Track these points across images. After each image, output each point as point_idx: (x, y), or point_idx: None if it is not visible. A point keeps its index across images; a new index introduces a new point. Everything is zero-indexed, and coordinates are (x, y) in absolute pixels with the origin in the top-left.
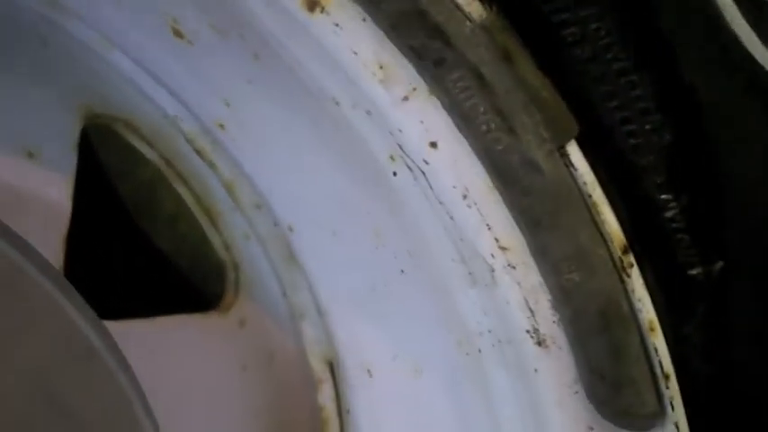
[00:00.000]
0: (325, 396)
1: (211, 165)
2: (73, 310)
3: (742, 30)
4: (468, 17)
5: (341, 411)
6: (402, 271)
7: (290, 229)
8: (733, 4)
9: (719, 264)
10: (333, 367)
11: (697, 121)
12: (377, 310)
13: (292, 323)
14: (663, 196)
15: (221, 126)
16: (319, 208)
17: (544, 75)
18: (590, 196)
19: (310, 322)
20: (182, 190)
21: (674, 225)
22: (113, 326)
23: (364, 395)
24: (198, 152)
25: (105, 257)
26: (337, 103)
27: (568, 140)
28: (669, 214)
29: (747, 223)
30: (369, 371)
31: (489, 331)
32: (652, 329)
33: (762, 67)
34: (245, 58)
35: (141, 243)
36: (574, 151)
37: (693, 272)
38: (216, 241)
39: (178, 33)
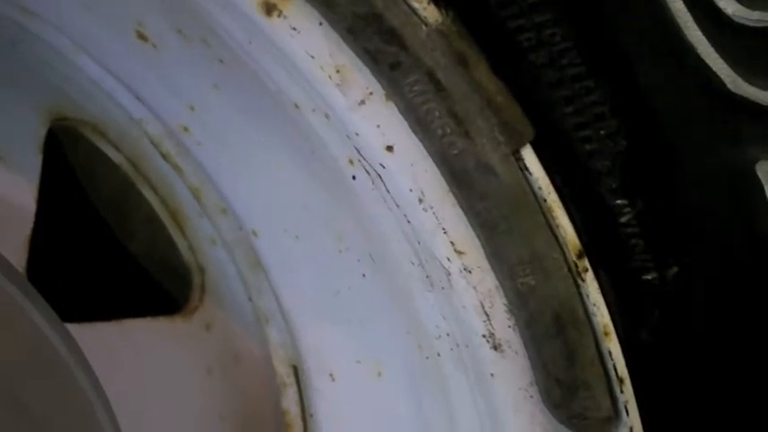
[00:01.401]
0: (290, 400)
1: (177, 169)
2: (36, 314)
3: (695, 37)
4: (423, 21)
5: (305, 415)
6: (364, 275)
7: (254, 234)
8: (687, 12)
9: (674, 269)
10: (297, 371)
11: (652, 127)
12: (340, 315)
13: (257, 327)
14: (618, 201)
15: (186, 129)
16: (283, 213)
17: (500, 79)
18: (545, 200)
19: (275, 326)
20: (148, 194)
21: (629, 230)
22: (78, 328)
23: (327, 399)
24: (163, 156)
25: (71, 259)
26: (297, 107)
27: (523, 145)
28: (624, 219)
29: (702, 228)
30: (331, 375)
31: (447, 335)
32: (606, 334)
33: (715, 74)
34: (209, 63)
35: (108, 245)
36: (529, 156)
37: (648, 276)
38: (182, 245)
39: (143, 37)
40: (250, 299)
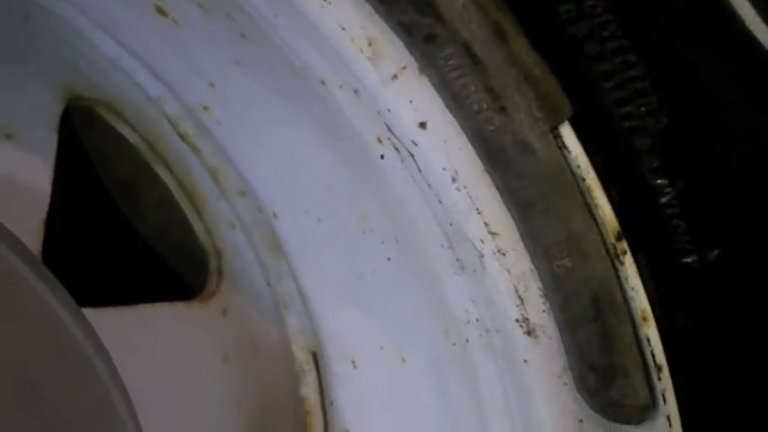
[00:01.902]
0: (309, 387)
1: (195, 149)
2: (52, 299)
3: (743, 9)
4: None
5: (324, 403)
6: (389, 258)
7: (275, 216)
8: None
9: (715, 251)
10: (316, 358)
11: (695, 104)
12: (363, 299)
13: (276, 313)
14: (658, 181)
15: (205, 108)
16: (305, 193)
17: (538, 53)
18: (583, 180)
19: (294, 312)
20: (165, 175)
21: (670, 211)
22: (93, 313)
23: (349, 386)
24: (181, 136)
25: (87, 243)
26: (324, 83)
27: (562, 121)
28: (664, 200)
29: (745, 209)
30: (353, 361)
31: (477, 320)
32: (645, 319)
33: (763, 48)
34: (231, 38)
35: (124, 229)
36: (567, 133)
37: (688, 260)
38: (199, 228)
39: (162, 12)
40: (268, 283)
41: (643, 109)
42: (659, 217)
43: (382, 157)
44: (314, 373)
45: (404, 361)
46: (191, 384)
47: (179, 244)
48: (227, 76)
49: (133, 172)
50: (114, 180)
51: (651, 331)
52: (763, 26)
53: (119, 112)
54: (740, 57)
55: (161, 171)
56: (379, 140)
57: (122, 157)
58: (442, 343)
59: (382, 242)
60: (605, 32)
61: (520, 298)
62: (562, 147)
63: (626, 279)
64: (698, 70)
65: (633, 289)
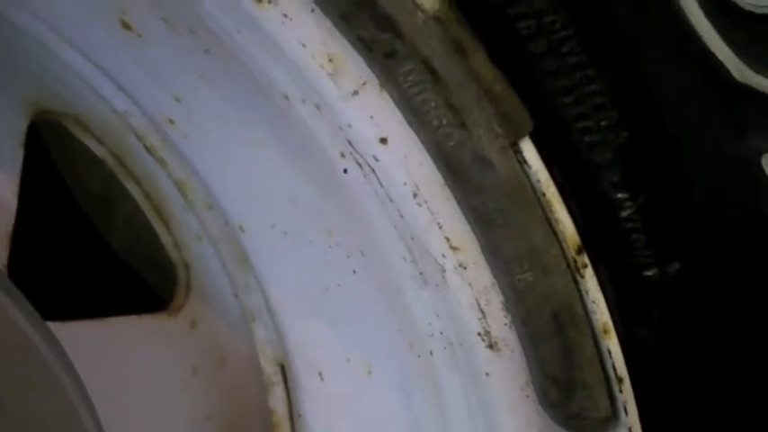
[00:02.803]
0: (277, 399)
1: (162, 162)
2: (17, 313)
3: (702, 25)
4: (419, 8)
5: (292, 415)
6: (354, 271)
7: (241, 230)
8: None
9: (676, 265)
10: (284, 370)
11: (654, 118)
12: (329, 312)
13: (244, 325)
14: (619, 195)
15: (171, 122)
16: (270, 207)
17: (498, 69)
18: (544, 194)
19: (262, 324)
20: (133, 189)
21: (630, 225)
22: (60, 327)
23: (316, 399)
24: (148, 149)
25: (56, 256)
26: (287, 98)
27: (522, 137)
28: (625, 213)
29: (705, 223)
30: (320, 373)
31: (441, 333)
32: (606, 331)
33: (720, 63)
34: (195, 53)
35: (94, 242)
36: (528, 148)
37: (649, 273)
38: (167, 241)
39: (127, 26)
40: (236, 296)
41: (603, 123)
42: (620, 231)
43: (345, 171)
44: (282, 386)
45: (370, 373)
46: (159, 397)
47: (148, 257)
48: (191, 91)
49: (103, 185)
50: (85, 193)
51: (612, 344)
52: (720, 42)
53: (86, 125)
54: (698, 72)
55: (129, 185)
56: (342, 155)
57: (91, 170)
58: (407, 356)
59: (348, 256)
60: (564, 48)
61: (482, 311)
62: (522, 162)
63: (587, 292)
64: (657, 85)
65: (594, 302)
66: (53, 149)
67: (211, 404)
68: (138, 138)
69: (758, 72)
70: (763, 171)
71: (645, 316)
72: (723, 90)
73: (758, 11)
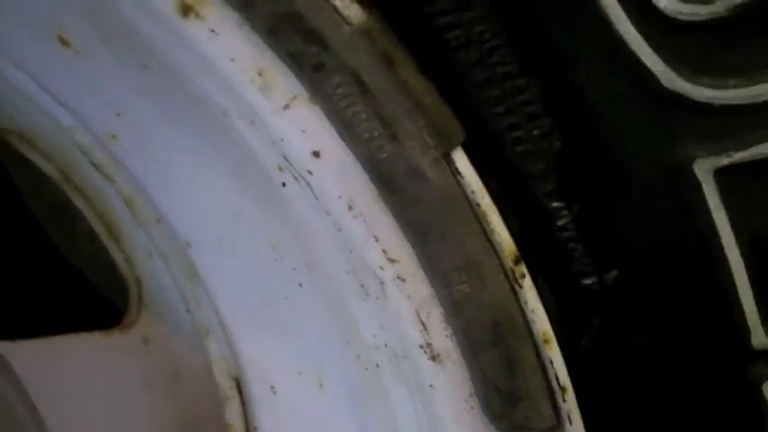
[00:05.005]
0: (233, 413)
1: (109, 178)
2: None
3: (628, 32)
4: (346, 20)
5: (249, 429)
6: (301, 284)
7: (188, 244)
8: (618, 6)
9: (614, 273)
10: (239, 384)
11: (586, 127)
12: (278, 325)
13: (197, 339)
14: (554, 204)
15: (114, 137)
16: (216, 222)
17: (428, 80)
18: (478, 205)
19: (215, 338)
20: (82, 205)
21: (566, 234)
22: (9, 347)
23: (270, 412)
24: (95, 165)
25: (4, 275)
26: (225, 114)
27: (454, 147)
28: (561, 222)
29: (640, 230)
30: (273, 387)
31: (386, 345)
32: (546, 341)
33: (649, 70)
34: (134, 69)
35: (49, 260)
36: (460, 158)
37: (588, 281)
38: (118, 257)
39: (65, 42)
40: (188, 310)
41: (535, 133)
42: (557, 240)
43: (284, 184)
44: (238, 399)
45: (321, 386)
46: (114, 414)
47: (104, 273)
48: (132, 106)
49: (57, 202)
50: (43, 210)
51: (554, 353)
52: (648, 50)
53: (31, 142)
54: (627, 80)
55: (79, 201)
56: (280, 169)
57: (42, 187)
58: (356, 368)
59: (294, 269)
60: (494, 58)
61: (422, 323)
62: (455, 172)
63: (526, 302)
64: (588, 93)
65: (533, 312)
66: (8, 166)
67: (167, 419)
68: (84, 153)
69: (685, 78)
70: (695, 176)
71: (586, 324)
72: (652, 97)
73: (683, 18)
